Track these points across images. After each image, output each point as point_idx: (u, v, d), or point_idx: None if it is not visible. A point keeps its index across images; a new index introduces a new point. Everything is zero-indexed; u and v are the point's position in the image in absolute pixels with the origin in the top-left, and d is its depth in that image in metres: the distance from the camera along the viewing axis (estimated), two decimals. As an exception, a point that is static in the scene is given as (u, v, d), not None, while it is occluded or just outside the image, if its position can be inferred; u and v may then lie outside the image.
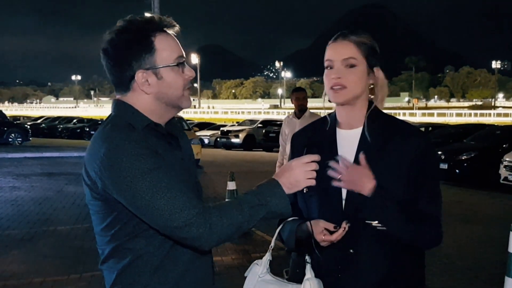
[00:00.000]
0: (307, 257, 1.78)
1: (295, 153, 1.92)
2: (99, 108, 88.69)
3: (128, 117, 1.56)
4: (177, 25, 1.62)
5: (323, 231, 1.72)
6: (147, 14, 1.66)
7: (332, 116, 1.89)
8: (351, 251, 1.74)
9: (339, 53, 1.77)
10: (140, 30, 1.55)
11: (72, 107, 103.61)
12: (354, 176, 1.66)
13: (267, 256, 1.79)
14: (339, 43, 1.78)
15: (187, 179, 1.60)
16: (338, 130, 1.86)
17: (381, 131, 1.78)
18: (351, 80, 1.75)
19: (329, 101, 1.83)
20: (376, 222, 1.68)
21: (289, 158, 1.92)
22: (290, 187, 1.56)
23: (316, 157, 1.60)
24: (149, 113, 1.58)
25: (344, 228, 1.69)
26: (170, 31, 1.61)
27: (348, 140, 1.82)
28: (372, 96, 1.84)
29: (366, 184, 1.66)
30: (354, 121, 1.83)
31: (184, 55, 1.62)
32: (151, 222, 1.48)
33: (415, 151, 1.73)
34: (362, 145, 1.78)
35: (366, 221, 1.68)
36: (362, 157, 1.68)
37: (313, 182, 1.58)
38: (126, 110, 1.58)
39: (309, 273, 1.74)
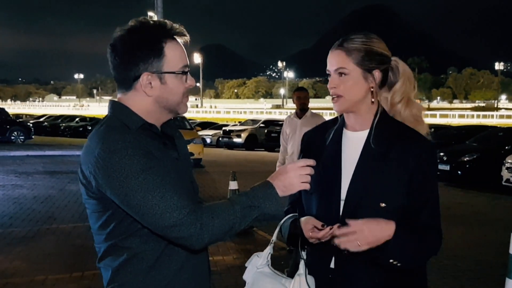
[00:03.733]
0: (302, 253, 1.80)
1: (304, 152, 1.95)
2: (99, 108, 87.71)
3: (123, 118, 1.59)
4: (187, 35, 1.66)
5: (312, 228, 1.74)
6: (151, 13, 1.69)
7: (342, 117, 1.92)
8: (345, 252, 1.73)
9: (332, 63, 1.81)
10: (153, 34, 1.59)
11: (73, 106, 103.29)
12: (374, 234, 1.65)
13: (268, 249, 1.82)
14: (333, 53, 1.81)
15: (181, 179, 1.62)
16: (344, 131, 1.88)
17: (386, 137, 1.79)
18: (345, 89, 1.78)
19: None
20: (396, 261, 1.69)
21: (298, 157, 1.94)
22: (284, 190, 1.58)
23: (311, 161, 1.62)
24: (146, 114, 1.62)
25: (331, 228, 1.69)
26: (180, 40, 1.64)
27: (353, 142, 1.84)
28: (373, 99, 1.83)
29: (385, 235, 1.66)
30: (360, 124, 1.85)
31: (189, 65, 1.66)
32: (143, 221, 1.50)
33: (418, 158, 1.74)
34: (367, 149, 1.79)
35: (390, 261, 1.68)
36: (351, 223, 1.65)
37: (307, 186, 1.60)
38: (121, 111, 1.61)
39: (301, 269, 1.76)
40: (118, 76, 1.62)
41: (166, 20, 1.64)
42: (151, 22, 1.62)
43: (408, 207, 1.73)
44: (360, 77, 1.78)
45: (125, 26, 1.60)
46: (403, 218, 1.72)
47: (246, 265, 1.83)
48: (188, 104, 1.72)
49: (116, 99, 1.66)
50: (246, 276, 1.81)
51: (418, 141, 1.79)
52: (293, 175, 1.59)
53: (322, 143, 1.89)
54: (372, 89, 1.80)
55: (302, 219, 1.81)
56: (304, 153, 1.93)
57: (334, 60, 1.79)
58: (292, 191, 1.60)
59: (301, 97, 5.95)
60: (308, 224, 1.76)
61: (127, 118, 1.59)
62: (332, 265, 1.78)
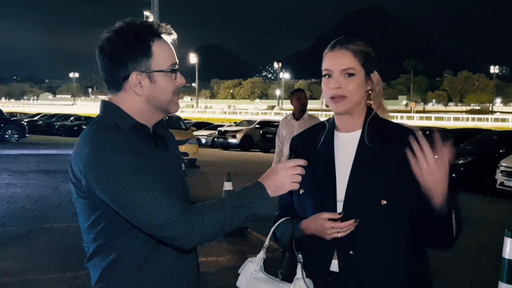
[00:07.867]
0: (298, 257, 1.78)
1: (294, 155, 1.93)
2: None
3: (115, 118, 1.60)
4: (175, 34, 1.67)
5: (327, 220, 1.71)
6: (146, 13, 1.70)
7: (331, 121, 1.92)
8: (351, 252, 1.74)
9: (338, 63, 1.79)
10: (140, 33, 1.60)
11: (70, 104, 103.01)
12: (442, 172, 1.59)
13: (261, 254, 1.81)
14: (337, 52, 1.80)
15: (172, 179, 1.63)
16: (336, 133, 1.88)
17: (378, 134, 1.80)
18: (351, 89, 1.78)
19: (326, 106, 1.86)
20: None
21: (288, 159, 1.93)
22: (275, 190, 1.58)
23: (302, 161, 1.62)
24: (138, 114, 1.62)
25: (356, 220, 1.69)
26: (168, 38, 1.66)
27: (345, 143, 1.84)
28: (370, 102, 1.86)
29: (446, 180, 1.60)
30: (352, 126, 1.85)
31: (178, 63, 1.67)
32: (133, 220, 1.51)
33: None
34: (361, 148, 1.80)
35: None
36: (437, 136, 1.56)
37: (297, 186, 1.60)
38: (113, 111, 1.62)
39: (299, 272, 1.74)
40: (108, 77, 1.63)
41: (153, 20, 1.67)
42: (138, 22, 1.63)
43: (412, 198, 1.70)
44: (363, 78, 1.80)
45: (112, 27, 1.62)
46: (406, 214, 1.72)
47: (239, 271, 1.81)
48: (181, 103, 1.72)
49: (107, 99, 1.67)
50: (240, 283, 1.79)
51: (412, 134, 1.79)
52: (283, 175, 1.59)
53: (313, 146, 1.89)
54: (369, 92, 1.83)
55: (310, 218, 1.78)
56: (294, 156, 1.92)
57: (341, 60, 1.78)
58: (283, 191, 1.60)
59: (301, 98, 5.90)
60: (320, 219, 1.73)
61: (119, 118, 1.60)
62: (331, 268, 1.77)
